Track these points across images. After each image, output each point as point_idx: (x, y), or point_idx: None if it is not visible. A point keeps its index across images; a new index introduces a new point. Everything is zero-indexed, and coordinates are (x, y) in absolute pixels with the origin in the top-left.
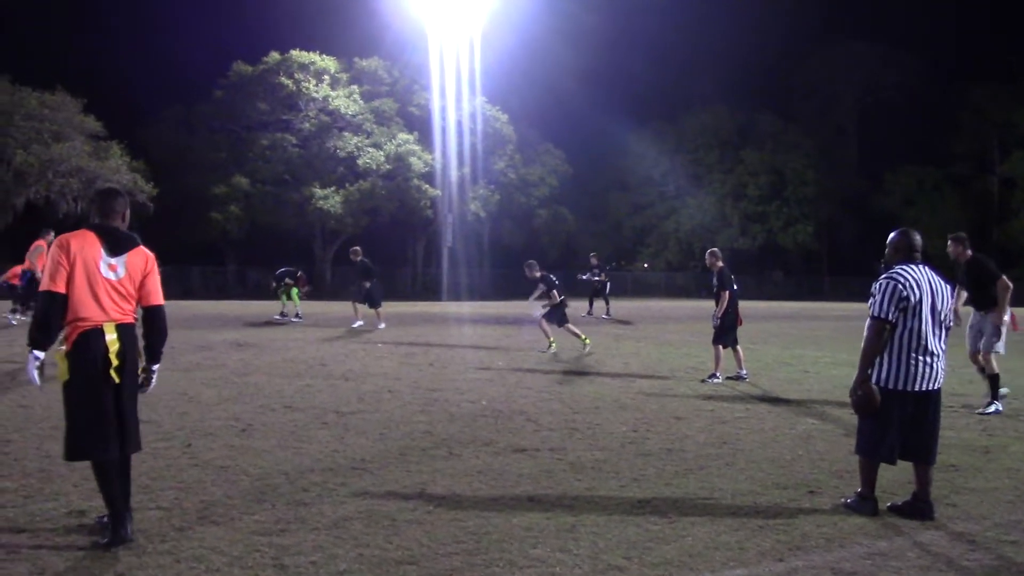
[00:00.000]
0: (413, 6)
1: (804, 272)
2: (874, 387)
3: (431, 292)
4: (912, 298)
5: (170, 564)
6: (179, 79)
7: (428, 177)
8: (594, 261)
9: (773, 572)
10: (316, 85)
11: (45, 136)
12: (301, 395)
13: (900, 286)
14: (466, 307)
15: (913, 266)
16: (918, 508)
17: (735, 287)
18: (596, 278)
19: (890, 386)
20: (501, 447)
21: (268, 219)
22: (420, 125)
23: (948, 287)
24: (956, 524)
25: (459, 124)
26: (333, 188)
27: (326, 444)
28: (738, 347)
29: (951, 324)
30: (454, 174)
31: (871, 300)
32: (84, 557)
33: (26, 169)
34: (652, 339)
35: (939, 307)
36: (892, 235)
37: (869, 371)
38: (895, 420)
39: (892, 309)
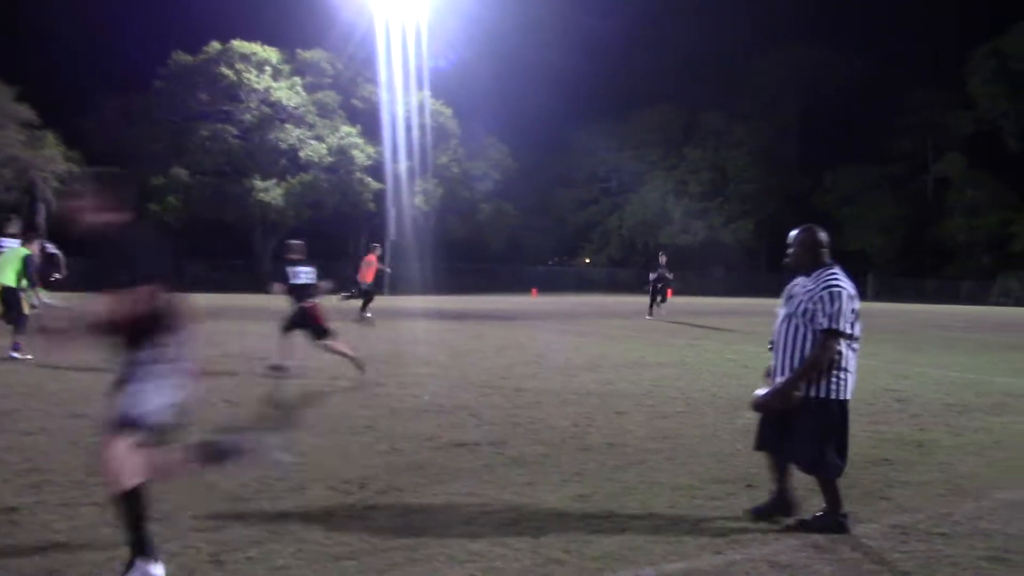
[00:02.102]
0: None
1: (745, 268)
2: (808, 399)
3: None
4: (857, 306)
5: (104, 561)
6: (118, 68)
7: (372, 170)
8: (663, 259)
9: (711, 565)
10: (258, 76)
11: None
12: (240, 390)
13: (849, 295)
14: (409, 301)
15: (839, 270)
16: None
17: (289, 279)
18: (668, 275)
19: (848, 397)
20: (443, 442)
21: (208, 211)
22: (364, 118)
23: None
24: (889, 517)
25: (403, 118)
26: (274, 180)
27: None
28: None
29: None
30: (399, 167)
31: (815, 310)
32: (13, 554)
33: None
34: (594, 334)
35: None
36: (798, 233)
37: (812, 384)
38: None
39: (850, 319)
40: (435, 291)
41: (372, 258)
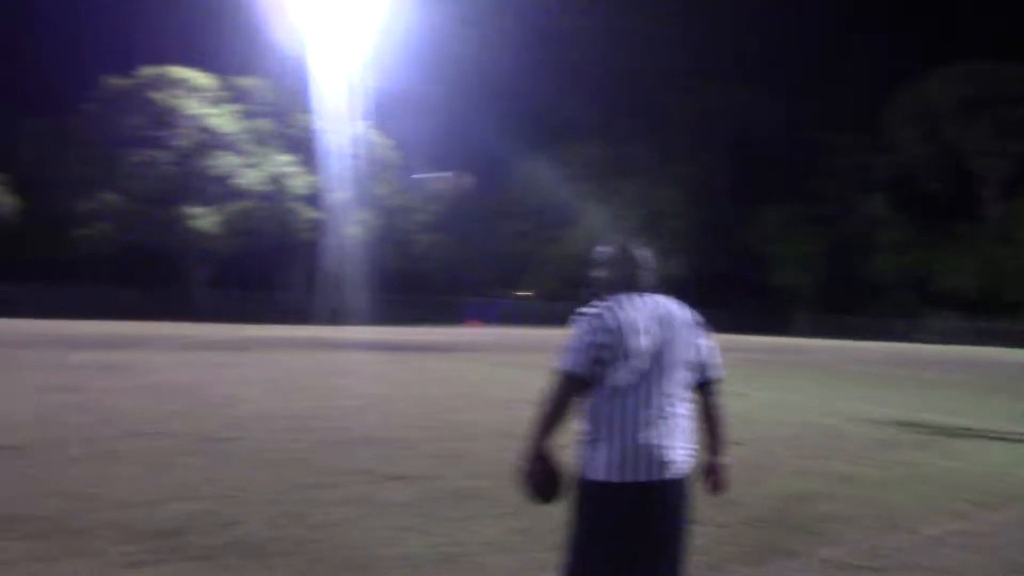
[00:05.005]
0: (298, 27)
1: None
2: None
3: (310, 316)
4: (616, 343)
5: None
6: (49, 91)
7: (309, 199)
8: None
9: None
10: (192, 102)
11: None
12: (170, 421)
13: (598, 328)
14: (345, 332)
15: (629, 298)
16: None
17: None
18: None
19: (598, 477)
20: (378, 475)
21: (140, 238)
22: (301, 147)
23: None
24: (819, 550)
25: (342, 147)
26: (209, 207)
27: (196, 471)
28: None
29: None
30: (336, 197)
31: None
32: None
33: None
34: (534, 367)
35: (675, 355)
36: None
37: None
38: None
39: (593, 357)
40: (371, 322)
41: None
